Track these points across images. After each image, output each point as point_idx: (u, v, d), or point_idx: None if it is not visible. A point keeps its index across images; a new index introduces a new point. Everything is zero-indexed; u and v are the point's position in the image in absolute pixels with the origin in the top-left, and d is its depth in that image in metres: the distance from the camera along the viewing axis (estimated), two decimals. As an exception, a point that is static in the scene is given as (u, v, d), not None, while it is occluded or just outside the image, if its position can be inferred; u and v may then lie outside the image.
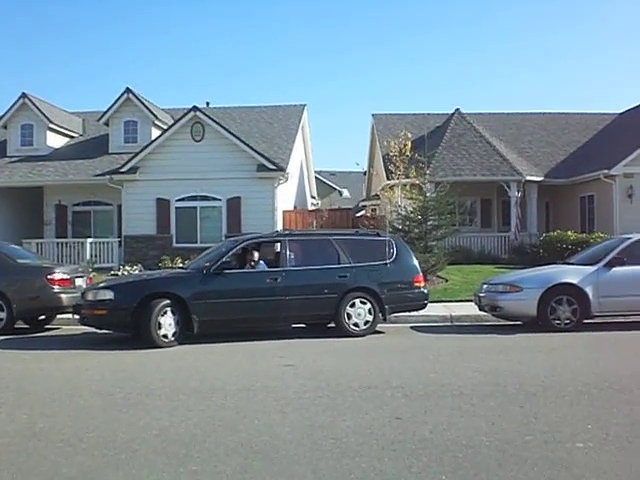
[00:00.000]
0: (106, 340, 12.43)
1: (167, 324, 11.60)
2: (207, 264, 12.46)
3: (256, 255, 13.01)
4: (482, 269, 21.74)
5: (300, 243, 13.38)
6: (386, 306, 12.80)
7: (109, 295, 11.92)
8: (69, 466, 5.13)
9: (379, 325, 12.91)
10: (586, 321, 12.88)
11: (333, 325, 12.85)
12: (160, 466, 5.07)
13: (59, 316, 14.80)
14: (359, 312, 12.62)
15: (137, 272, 23.78)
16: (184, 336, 11.82)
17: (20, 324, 14.23)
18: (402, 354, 10.43)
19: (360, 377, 8.40)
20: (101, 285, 12.75)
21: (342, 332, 12.47)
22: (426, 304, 13.66)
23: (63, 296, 13.79)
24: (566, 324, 12.66)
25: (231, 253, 12.72)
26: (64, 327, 14.62)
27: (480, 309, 13.96)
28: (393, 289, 13.02)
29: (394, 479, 4.74)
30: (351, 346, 11.37)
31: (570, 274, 13.11)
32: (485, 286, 13.90)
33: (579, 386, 7.70)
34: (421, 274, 13.71)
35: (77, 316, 12.48)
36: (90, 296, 12.20)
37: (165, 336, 11.58)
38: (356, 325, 12.59)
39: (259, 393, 7.58)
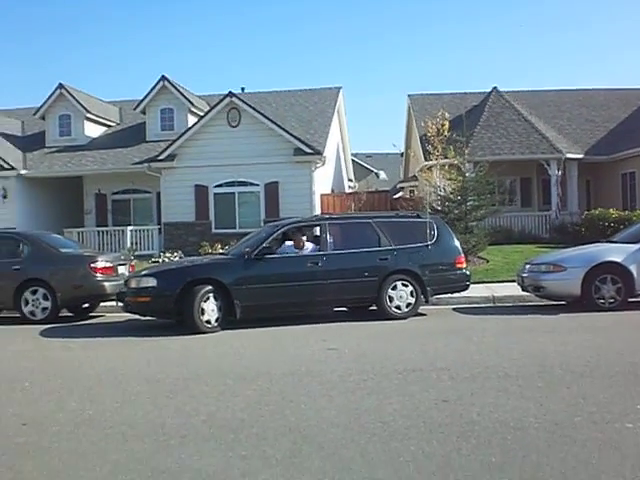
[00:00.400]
0: (150, 327, 12.52)
1: (210, 310, 11.66)
2: (248, 249, 12.49)
3: (304, 238, 12.99)
4: (523, 249, 21.56)
5: (340, 226, 13.32)
6: (428, 288, 12.72)
7: (152, 282, 12.00)
8: (119, 452, 5.19)
9: (421, 307, 12.86)
10: (631, 300, 12.69)
11: (375, 308, 12.81)
12: (210, 451, 5.11)
13: (102, 304, 14.96)
14: (401, 295, 12.57)
15: (178, 259, 23.97)
16: (227, 321, 11.87)
17: (64, 312, 14.41)
18: (446, 336, 10.38)
19: (404, 360, 8.39)
20: (144, 273, 12.83)
21: (384, 315, 12.43)
22: (468, 285, 13.57)
23: (106, 284, 13.93)
24: (610, 303, 12.49)
25: (271, 238, 12.70)
26: (108, 315, 14.77)
27: (523, 289, 13.83)
28: (435, 271, 12.93)
29: (443, 462, 4.72)
30: (393, 329, 11.35)
31: (614, 252, 12.93)
32: (528, 266, 13.77)
33: (626, 366, 7.61)
34: (463, 255, 13.61)
35: (121, 304, 12.59)
36: (133, 284, 12.30)
37: (208, 322, 11.64)
38: (398, 308, 12.53)
39: (304, 377, 7.60)
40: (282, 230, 13.01)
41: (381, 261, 12.73)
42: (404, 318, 12.38)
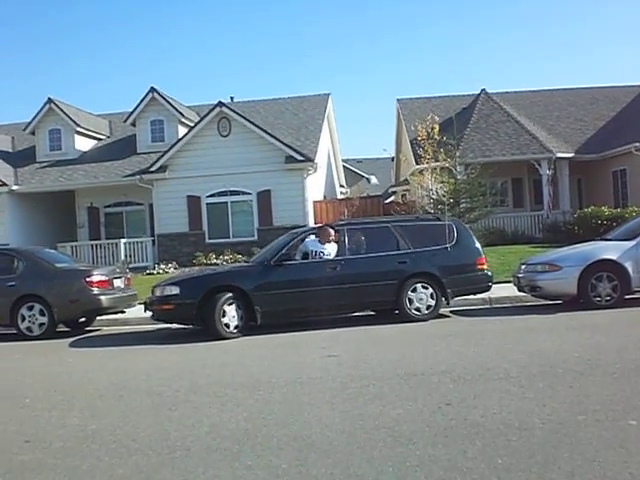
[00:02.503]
0: (149, 338, 12.73)
1: (231, 316, 11.97)
2: (267, 257, 12.79)
3: (332, 232, 13.02)
4: (517, 249, 21.58)
5: (358, 231, 13.42)
6: (448, 290, 12.79)
7: (175, 290, 12.30)
8: (124, 467, 5.16)
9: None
10: (627, 297, 12.74)
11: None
12: (215, 462, 5.09)
13: (99, 318, 14.92)
14: (421, 297, 12.65)
15: (172, 270, 23.97)
16: (248, 327, 12.15)
17: (61, 327, 14.36)
18: (445, 339, 10.38)
19: (405, 364, 8.37)
20: (168, 282, 13.07)
21: (405, 318, 12.52)
22: (490, 286, 13.63)
23: (102, 298, 13.89)
24: (607, 301, 12.53)
25: (290, 245, 12.93)
26: (104, 328, 14.74)
27: (519, 290, 13.87)
28: (455, 272, 12.98)
29: (450, 465, 4.71)
30: (394, 333, 11.35)
31: (609, 250, 12.97)
32: (523, 266, 13.81)
33: (627, 363, 7.63)
34: (483, 256, 13.64)
35: (150, 312, 12.82)
36: (158, 292, 12.63)
37: (229, 327, 11.94)
38: (418, 310, 12.61)
39: (305, 385, 7.59)
40: (300, 237, 13.23)
41: (400, 264, 12.80)
42: (425, 320, 12.45)
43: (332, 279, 12.53)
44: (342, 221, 15.29)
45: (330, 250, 12.84)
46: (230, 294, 12.00)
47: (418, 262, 12.86)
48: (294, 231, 14.13)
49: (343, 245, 12.91)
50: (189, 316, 12.26)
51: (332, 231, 13.00)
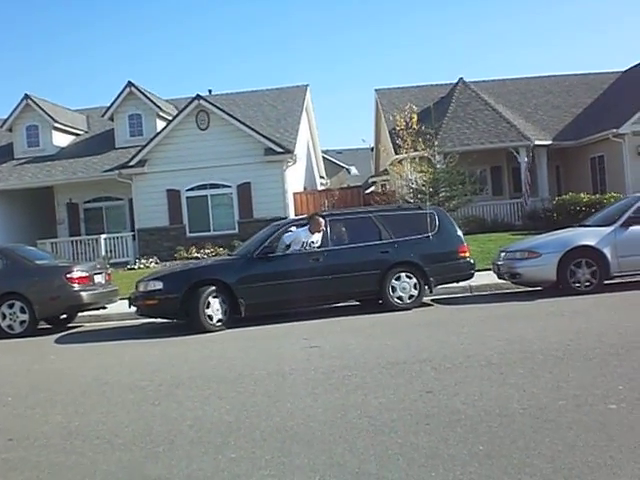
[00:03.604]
0: (129, 332, 12.68)
1: (215, 309, 12.02)
2: (250, 249, 12.88)
3: (322, 221, 13.00)
4: (497, 237, 21.67)
5: (340, 222, 13.46)
6: (431, 278, 12.85)
7: (158, 285, 12.36)
8: (108, 462, 5.17)
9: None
10: (606, 282, 12.84)
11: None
12: (199, 456, 5.10)
13: (80, 314, 14.87)
14: (404, 286, 12.71)
15: (153, 265, 23.91)
16: (233, 320, 12.18)
17: (43, 324, 14.30)
18: (426, 327, 10.45)
19: (387, 353, 8.42)
20: (151, 277, 13.13)
21: (389, 307, 12.57)
22: (473, 274, 13.66)
23: (83, 294, 13.85)
24: (586, 286, 12.63)
25: (273, 237, 12.96)
26: (86, 325, 14.70)
27: (499, 277, 13.95)
28: (437, 261, 13.03)
29: (431, 453, 4.75)
30: (374, 322, 11.39)
31: (587, 236, 13.06)
32: (503, 254, 13.89)
33: (606, 347, 7.70)
34: (465, 244, 13.69)
35: (134, 308, 12.84)
36: (142, 287, 12.67)
37: (213, 320, 11.99)
38: (401, 299, 12.67)
39: (288, 376, 7.62)
40: (283, 229, 13.25)
41: (382, 254, 12.85)
42: (408, 309, 12.50)
43: (315, 270, 12.57)
44: (324, 212, 15.26)
45: (317, 239, 12.90)
46: (213, 287, 12.02)
47: (400, 251, 12.90)
48: (276, 223, 14.16)
49: (325, 236, 12.94)
50: (173, 310, 12.29)
51: (322, 220, 13.02)
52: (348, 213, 14.55)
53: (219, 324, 12.01)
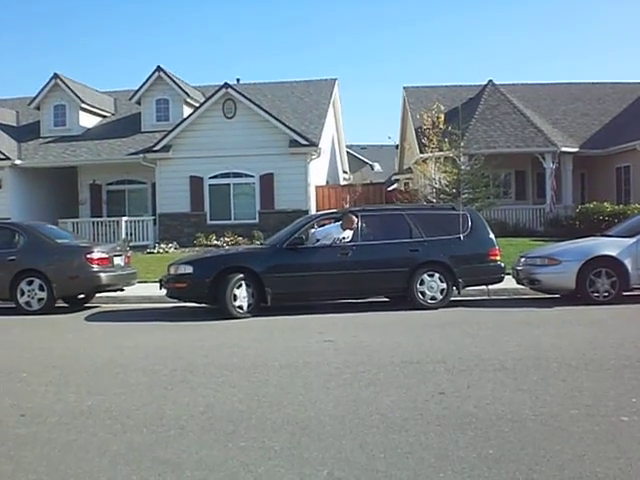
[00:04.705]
0: (149, 315, 12.76)
1: (242, 296, 12.23)
2: (281, 239, 13.02)
3: (355, 219, 13.04)
4: (518, 242, 21.55)
5: (372, 218, 13.61)
6: (460, 279, 12.84)
7: (189, 269, 12.58)
8: (119, 443, 5.19)
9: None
10: (625, 293, 12.76)
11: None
12: (209, 442, 5.12)
13: (98, 295, 14.97)
14: (431, 285, 12.72)
15: (172, 250, 24.01)
16: (259, 308, 12.35)
17: (60, 303, 14.40)
18: (442, 328, 10.43)
19: (401, 352, 8.42)
20: (182, 261, 13.40)
21: (415, 305, 12.59)
22: (503, 277, 13.58)
23: (102, 275, 13.92)
24: (605, 297, 12.55)
25: (304, 229, 13.12)
26: (103, 305, 14.78)
27: (518, 282, 13.90)
28: (467, 262, 13.02)
29: (441, 454, 4.75)
30: (390, 321, 11.39)
31: (608, 246, 12.99)
32: (523, 259, 13.83)
33: (621, 359, 7.65)
34: (497, 247, 13.63)
35: (164, 290, 13.03)
36: (172, 270, 12.93)
37: (240, 307, 12.20)
38: (428, 298, 12.70)
39: (302, 369, 7.64)
40: (314, 221, 13.62)
41: (411, 252, 12.87)
42: (435, 308, 12.51)
43: (343, 264, 12.65)
44: (358, 208, 15.25)
45: (348, 236, 12.96)
46: (241, 275, 12.19)
47: (430, 250, 12.90)
48: (308, 216, 14.34)
49: (356, 231, 12.99)
50: (201, 295, 12.48)
51: (355, 218, 13.05)
52: (381, 209, 14.67)
53: (245, 311, 12.17)
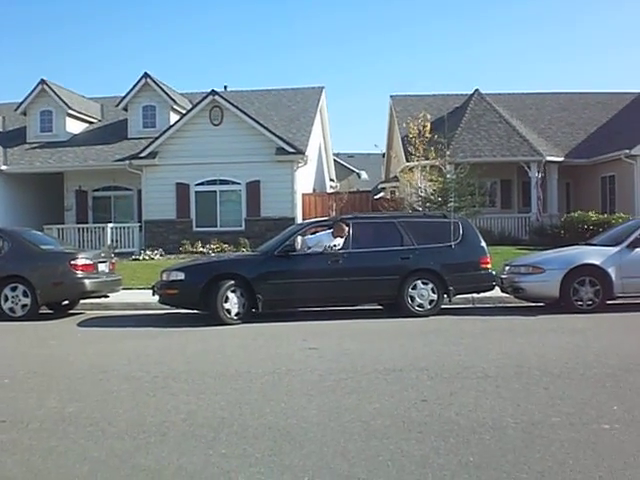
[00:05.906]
0: (136, 321, 12.68)
1: (233, 303, 12.25)
2: (272, 247, 13.10)
3: (346, 228, 13.05)
4: (503, 250, 21.59)
5: (363, 225, 13.59)
6: (450, 287, 12.86)
7: (180, 276, 12.63)
8: (99, 450, 5.18)
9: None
10: (609, 302, 12.81)
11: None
12: (190, 449, 5.11)
13: (82, 301, 14.89)
14: (422, 293, 12.74)
15: (158, 257, 23.95)
16: (250, 314, 12.38)
17: (44, 309, 14.33)
18: (425, 336, 10.44)
19: (384, 360, 8.42)
20: (174, 267, 13.41)
21: (405, 313, 12.59)
22: (494, 286, 13.65)
23: (86, 281, 13.85)
24: (588, 305, 12.60)
25: (294, 236, 13.06)
26: (87, 312, 14.71)
27: (502, 290, 13.92)
28: (458, 270, 13.03)
29: (422, 461, 4.76)
30: (373, 329, 11.40)
31: (592, 255, 13.04)
32: (507, 267, 13.86)
33: (604, 367, 7.69)
34: (488, 255, 13.64)
35: (156, 296, 13.07)
36: (164, 277, 12.98)
37: (230, 313, 12.19)
38: (419, 306, 12.71)
39: (284, 376, 7.63)
40: (305, 229, 13.61)
41: (402, 260, 12.89)
42: (425, 316, 12.51)
43: (334, 271, 12.69)
44: (349, 215, 15.26)
45: (339, 244, 12.97)
46: (232, 282, 12.23)
47: (421, 258, 12.92)
48: (300, 223, 14.40)
49: (347, 238, 13.01)
50: (193, 301, 12.54)
51: (346, 227, 13.07)
52: (372, 217, 14.67)
53: (236, 317, 12.21)
